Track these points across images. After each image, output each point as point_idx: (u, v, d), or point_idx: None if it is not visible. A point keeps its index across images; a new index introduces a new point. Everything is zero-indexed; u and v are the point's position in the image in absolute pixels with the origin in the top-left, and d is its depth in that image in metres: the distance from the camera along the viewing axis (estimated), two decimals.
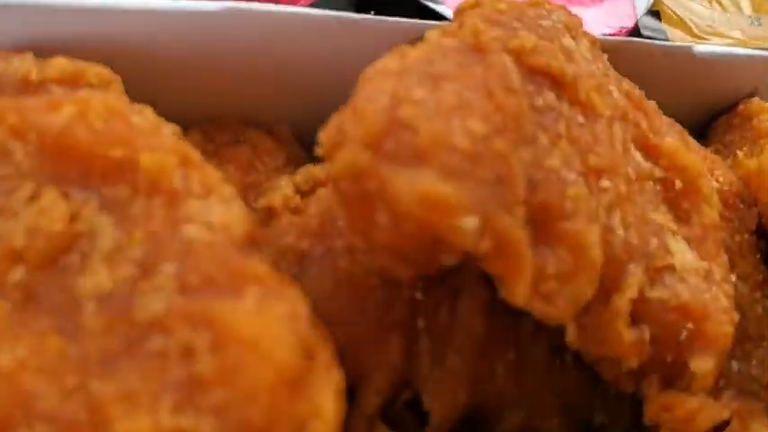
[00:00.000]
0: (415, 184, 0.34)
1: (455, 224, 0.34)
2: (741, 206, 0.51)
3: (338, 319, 0.42)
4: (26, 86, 0.43)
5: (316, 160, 0.42)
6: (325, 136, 0.36)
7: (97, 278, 0.34)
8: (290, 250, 0.42)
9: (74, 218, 0.35)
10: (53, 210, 0.35)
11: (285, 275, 0.35)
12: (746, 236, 0.49)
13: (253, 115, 0.55)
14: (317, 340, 0.34)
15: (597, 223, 0.40)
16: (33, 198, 0.36)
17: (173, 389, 0.32)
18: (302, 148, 0.54)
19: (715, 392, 0.44)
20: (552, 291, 0.38)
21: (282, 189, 0.46)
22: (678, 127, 0.52)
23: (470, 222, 0.34)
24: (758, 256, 0.49)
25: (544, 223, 0.39)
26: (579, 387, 0.51)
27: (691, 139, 0.51)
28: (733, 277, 0.46)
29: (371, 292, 0.43)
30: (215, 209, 0.36)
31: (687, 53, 0.61)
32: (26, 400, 0.32)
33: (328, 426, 0.32)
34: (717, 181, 0.51)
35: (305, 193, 0.46)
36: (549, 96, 0.42)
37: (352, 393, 0.44)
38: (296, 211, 0.45)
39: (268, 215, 0.45)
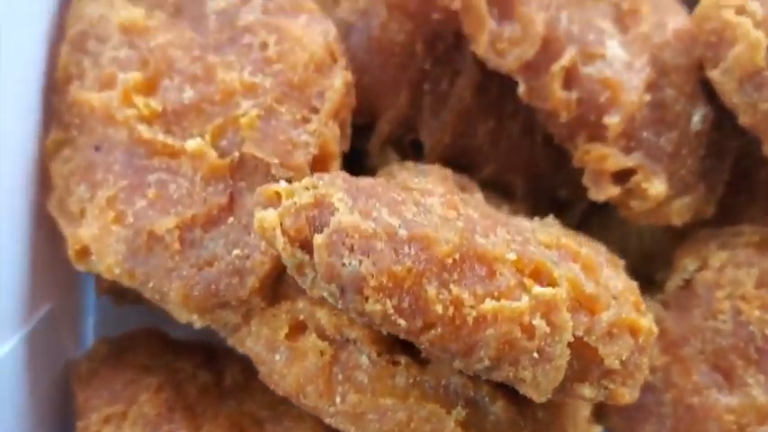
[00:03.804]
0: None
1: None
2: (689, 41, 0.66)
3: (368, 69, 0.63)
4: None
5: None
6: None
7: (218, 1, 0.56)
8: (342, 22, 0.63)
9: None
10: None
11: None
12: (686, 60, 0.65)
13: None
14: (341, 52, 0.55)
15: (546, 12, 0.58)
16: None
17: (251, 63, 0.54)
18: None
19: (626, 151, 0.61)
20: (504, 49, 0.57)
21: None
22: None
23: None
24: (693, 77, 0.65)
25: (506, 6, 0.58)
26: (545, 162, 0.69)
27: None
28: (665, 83, 0.63)
29: (393, 56, 0.63)
30: None
31: None
32: (169, 61, 0.55)
33: (339, 94, 0.53)
34: (674, 20, 0.67)
35: None
36: None
37: (372, 128, 0.65)
38: (352, 1, 0.65)
39: (335, 2, 0.66)
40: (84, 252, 0.55)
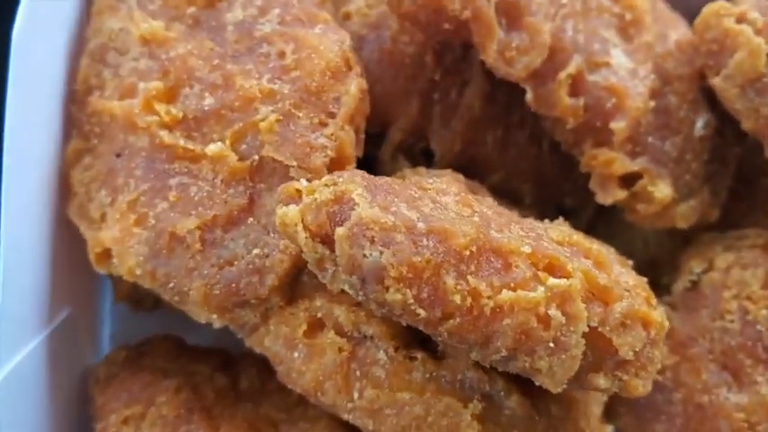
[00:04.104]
0: None
1: None
2: (691, 51, 0.69)
3: (380, 79, 0.64)
4: None
5: None
6: None
7: (236, 13, 0.58)
8: (354, 35, 0.65)
9: None
10: None
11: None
12: (688, 70, 0.67)
13: None
14: (356, 61, 0.57)
15: (552, 22, 0.60)
16: None
17: (270, 71, 0.56)
18: None
19: (632, 156, 0.63)
20: (513, 57, 0.59)
21: (357, 3, 0.68)
22: None
23: None
24: (695, 85, 0.67)
25: (514, 17, 0.60)
26: (552, 170, 0.71)
27: None
28: (668, 90, 0.65)
29: (404, 67, 0.65)
30: None
31: None
32: (189, 70, 0.57)
33: (354, 99, 0.55)
34: (675, 32, 0.69)
35: (371, 5, 0.68)
36: None
37: (383, 137, 0.67)
38: (362, 15, 0.67)
39: (346, 16, 0.68)
40: (106, 255, 0.56)
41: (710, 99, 0.67)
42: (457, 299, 0.44)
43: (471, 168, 0.68)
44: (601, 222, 0.77)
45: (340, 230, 0.44)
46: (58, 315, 0.61)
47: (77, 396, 0.65)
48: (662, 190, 0.63)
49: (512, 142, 0.69)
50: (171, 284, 0.53)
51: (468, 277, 0.44)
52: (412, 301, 0.43)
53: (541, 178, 0.71)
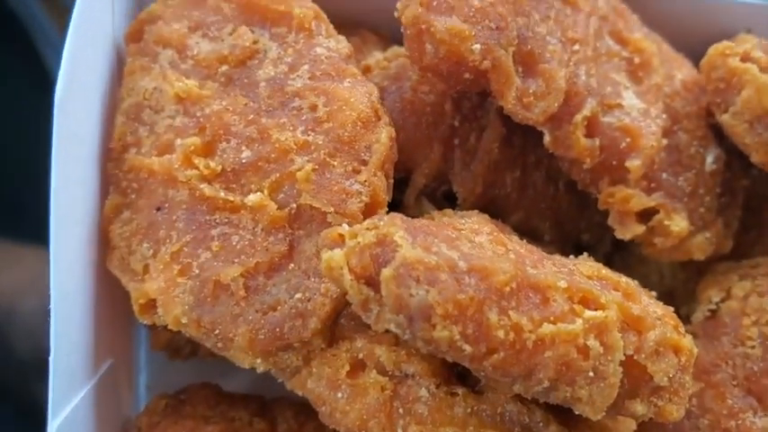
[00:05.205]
0: (447, 24, 0.59)
1: (468, 47, 0.59)
2: (697, 90, 0.72)
3: (402, 127, 0.67)
4: None
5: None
6: (400, 2, 0.62)
7: (267, 70, 0.62)
8: (376, 86, 0.68)
9: (255, 41, 0.63)
10: (244, 37, 0.63)
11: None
12: (695, 108, 0.71)
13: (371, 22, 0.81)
14: (383, 111, 0.60)
15: (566, 68, 0.63)
16: (233, 32, 0.64)
17: (303, 123, 0.59)
18: (394, 42, 0.80)
19: (648, 192, 0.66)
20: (530, 102, 0.62)
21: (376, 56, 0.72)
22: (656, 36, 0.74)
23: (477, 47, 0.59)
24: (703, 122, 0.70)
25: (529, 65, 0.63)
26: (569, 209, 0.74)
27: (659, 39, 0.72)
28: (677, 128, 0.69)
29: (424, 115, 0.68)
30: (333, 41, 0.63)
31: None
32: (225, 125, 0.60)
33: (385, 147, 0.58)
34: (681, 72, 0.72)
35: (389, 58, 0.72)
36: None
37: (406, 182, 0.70)
38: (382, 68, 0.71)
39: (366, 69, 0.71)
40: (150, 306, 0.58)
41: (717, 135, 0.71)
42: (500, 334, 0.46)
43: (492, 209, 0.70)
44: (617, 257, 0.79)
45: (386, 271, 0.46)
46: (102, 366, 0.63)
47: None
48: (678, 223, 0.66)
49: (529, 183, 0.72)
50: (216, 331, 0.55)
51: (510, 312, 0.46)
52: (458, 337, 0.45)
53: (559, 216, 0.74)
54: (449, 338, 0.45)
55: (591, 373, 0.47)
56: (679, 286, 0.78)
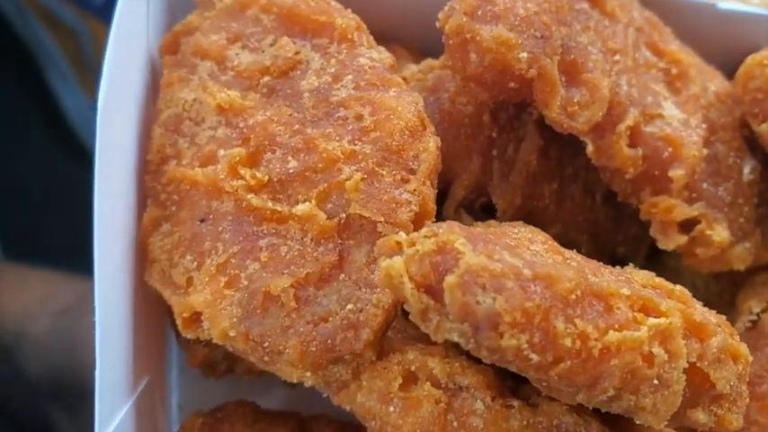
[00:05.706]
0: (493, 33, 0.59)
1: (515, 56, 0.59)
2: (730, 102, 0.72)
3: (441, 139, 0.67)
4: None
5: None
6: (442, 13, 0.62)
7: (310, 81, 0.61)
8: None
9: (297, 53, 0.63)
10: (286, 48, 0.63)
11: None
12: (730, 119, 0.71)
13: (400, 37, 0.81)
14: (429, 120, 0.60)
15: (609, 78, 0.63)
16: (274, 43, 0.64)
17: (349, 133, 0.58)
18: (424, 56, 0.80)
19: (689, 202, 0.65)
20: (575, 112, 0.62)
21: (411, 69, 0.72)
22: (688, 49, 0.74)
23: (524, 56, 0.59)
24: (738, 132, 0.71)
25: (573, 74, 0.63)
26: (606, 221, 0.74)
27: (691, 52, 0.73)
28: (714, 139, 0.69)
29: (463, 126, 0.68)
30: (375, 52, 0.63)
31: (711, 9, 0.82)
32: (270, 136, 0.59)
33: (433, 156, 0.57)
34: (713, 84, 0.73)
35: (424, 70, 0.72)
36: (585, 5, 0.66)
37: (443, 194, 0.69)
38: (418, 80, 0.71)
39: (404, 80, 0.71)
40: (195, 319, 0.57)
41: (752, 146, 0.71)
42: (567, 342, 0.45)
43: (530, 221, 0.69)
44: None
45: (450, 279, 0.45)
46: (141, 382, 0.62)
47: None
48: (720, 233, 0.66)
49: (567, 195, 0.72)
50: (265, 344, 0.54)
51: (576, 320, 0.46)
52: (526, 346, 0.45)
53: (596, 229, 0.74)
54: (516, 347, 0.45)
55: (655, 381, 0.47)
56: (713, 299, 0.78)
